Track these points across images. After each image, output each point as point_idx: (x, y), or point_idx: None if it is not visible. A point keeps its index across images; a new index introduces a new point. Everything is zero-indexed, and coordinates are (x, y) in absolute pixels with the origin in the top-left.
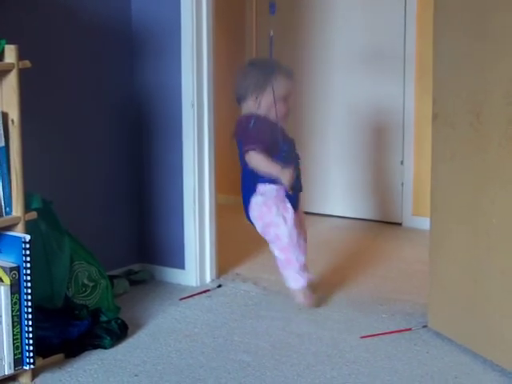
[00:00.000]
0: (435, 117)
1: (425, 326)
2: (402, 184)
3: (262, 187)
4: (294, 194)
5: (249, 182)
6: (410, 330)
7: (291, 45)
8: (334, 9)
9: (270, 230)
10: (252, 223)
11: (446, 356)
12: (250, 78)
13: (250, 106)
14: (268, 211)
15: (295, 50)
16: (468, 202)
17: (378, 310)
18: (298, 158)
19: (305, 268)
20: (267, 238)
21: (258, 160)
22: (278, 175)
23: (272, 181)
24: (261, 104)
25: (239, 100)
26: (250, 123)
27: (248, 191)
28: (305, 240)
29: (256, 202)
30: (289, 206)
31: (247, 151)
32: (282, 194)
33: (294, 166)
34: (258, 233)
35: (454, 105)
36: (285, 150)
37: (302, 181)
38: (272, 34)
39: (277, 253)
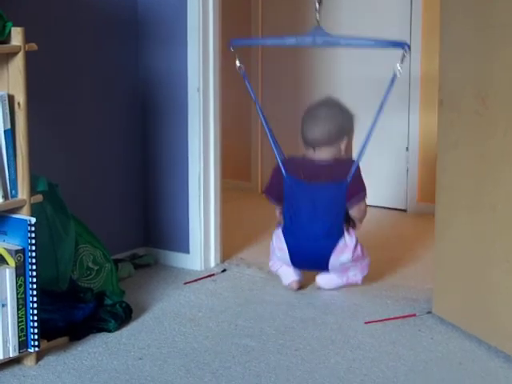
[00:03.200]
0: (441, 103)
1: (429, 312)
2: (407, 170)
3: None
4: None
5: (335, 226)
6: (414, 315)
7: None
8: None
9: (358, 262)
10: (317, 268)
11: (450, 342)
12: (340, 122)
13: (333, 150)
14: (361, 249)
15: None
16: (473, 188)
17: (382, 295)
18: None
19: None
20: (351, 272)
21: (366, 206)
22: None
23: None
24: (343, 149)
25: (319, 143)
26: (353, 167)
27: (330, 236)
28: None
29: (351, 243)
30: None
31: (362, 198)
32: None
33: None
34: (262, 217)
35: (460, 91)
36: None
37: None
38: (242, 68)
39: (360, 277)
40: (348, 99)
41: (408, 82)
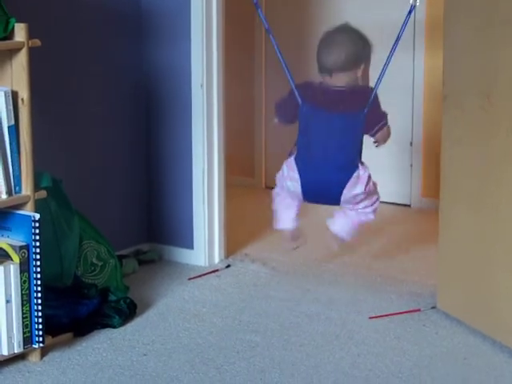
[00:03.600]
0: (445, 98)
1: (434, 307)
2: (411, 165)
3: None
4: None
5: (350, 155)
6: (418, 310)
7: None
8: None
9: (372, 197)
10: (328, 201)
11: (454, 337)
12: (356, 48)
13: (348, 77)
14: (373, 183)
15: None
16: (477, 184)
17: (386, 290)
18: None
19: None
20: (361, 204)
21: (390, 133)
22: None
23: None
24: (361, 76)
25: (334, 68)
26: (372, 96)
27: (345, 168)
28: None
29: (366, 175)
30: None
31: (384, 125)
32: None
33: None
34: (266, 212)
35: (464, 87)
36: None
37: None
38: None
39: (371, 216)
40: None
41: (412, 77)
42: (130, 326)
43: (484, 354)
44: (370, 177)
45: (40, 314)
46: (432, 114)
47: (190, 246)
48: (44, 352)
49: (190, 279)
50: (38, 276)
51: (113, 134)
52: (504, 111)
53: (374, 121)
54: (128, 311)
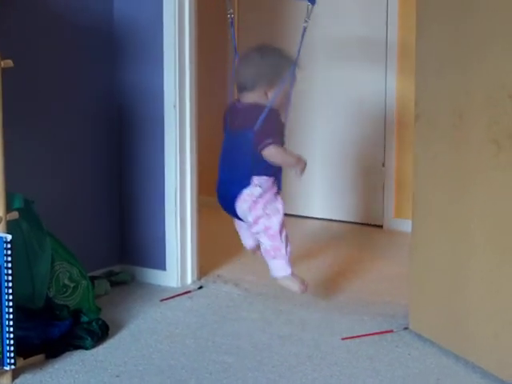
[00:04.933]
0: (417, 118)
1: (406, 328)
2: (384, 186)
3: (257, 179)
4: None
5: (242, 173)
6: (391, 331)
7: (267, 34)
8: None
9: (259, 221)
10: (233, 214)
11: (427, 358)
12: (261, 68)
13: (255, 96)
14: (262, 203)
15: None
16: (449, 203)
17: (359, 311)
18: None
19: (291, 260)
20: (255, 229)
21: (278, 152)
22: (295, 165)
23: (266, 173)
24: (268, 96)
25: (243, 87)
26: (263, 115)
27: (237, 183)
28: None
29: (251, 193)
30: (279, 197)
31: (268, 145)
32: (274, 186)
33: None
34: (236, 236)
35: (437, 106)
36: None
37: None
38: (231, 13)
39: (265, 241)
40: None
41: (384, 99)
42: (103, 348)
43: (457, 374)
44: (262, 199)
45: (11, 335)
46: (404, 134)
47: (163, 267)
48: (15, 374)
49: (162, 300)
50: (10, 297)
51: (84, 155)
52: (475, 130)
53: (260, 139)
54: (100, 333)
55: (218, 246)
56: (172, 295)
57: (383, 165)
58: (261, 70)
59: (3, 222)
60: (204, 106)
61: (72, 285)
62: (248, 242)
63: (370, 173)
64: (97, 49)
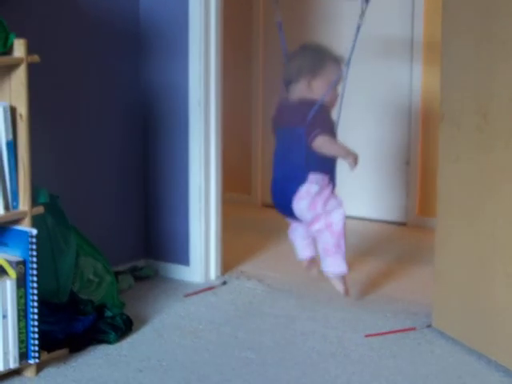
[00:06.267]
0: (442, 117)
1: (429, 326)
2: (408, 184)
3: (313, 176)
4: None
5: (297, 170)
6: (414, 329)
7: (296, 33)
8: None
9: (320, 218)
10: (289, 213)
11: (450, 356)
12: (303, 60)
13: (301, 90)
14: (322, 201)
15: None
16: (474, 202)
17: (382, 309)
18: None
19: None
20: (317, 226)
21: (327, 142)
22: (346, 156)
23: (321, 170)
24: (313, 88)
25: (288, 82)
26: (314, 109)
27: (293, 179)
28: None
29: (308, 191)
30: (336, 194)
31: (316, 135)
32: (329, 183)
33: None
34: (262, 230)
35: (461, 105)
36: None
37: None
38: (280, 19)
39: (327, 238)
40: None
41: (409, 96)
42: (126, 343)
43: (479, 372)
44: (320, 196)
45: (36, 329)
46: (429, 132)
47: (186, 262)
48: (40, 368)
49: (185, 296)
50: (35, 291)
51: (110, 151)
52: (500, 130)
53: (310, 132)
54: (124, 327)
55: (242, 241)
56: (196, 291)
57: (407, 163)
58: (303, 61)
59: (28, 217)
60: (228, 102)
61: (96, 280)
62: (305, 252)
63: (394, 170)
64: (122, 46)
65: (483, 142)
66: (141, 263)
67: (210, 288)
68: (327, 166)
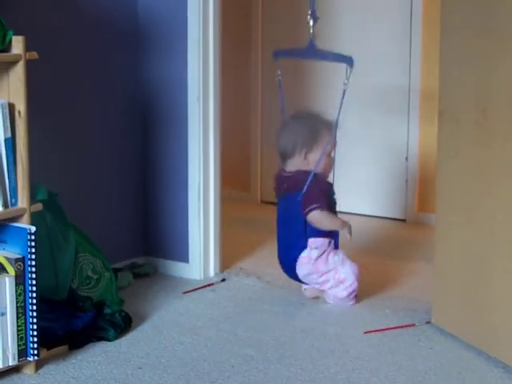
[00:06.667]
0: (441, 113)
1: (428, 322)
2: (407, 180)
3: (313, 242)
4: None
5: (296, 238)
6: (413, 325)
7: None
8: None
9: (329, 277)
10: (296, 279)
11: (449, 352)
12: (297, 134)
13: (297, 163)
14: (323, 262)
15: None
16: (473, 198)
17: (381, 305)
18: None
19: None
20: (328, 286)
21: (323, 217)
22: (341, 229)
23: (322, 234)
24: (309, 161)
25: (284, 156)
26: (308, 179)
27: (294, 246)
28: None
29: (309, 256)
30: (339, 251)
31: (311, 210)
32: (331, 245)
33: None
34: (260, 227)
35: (460, 101)
36: (334, 203)
37: None
38: (280, 76)
39: (340, 294)
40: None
41: (408, 93)
42: (125, 340)
43: (478, 369)
44: (321, 259)
45: (35, 326)
46: (427, 128)
47: (185, 259)
48: (39, 365)
49: (185, 293)
50: (34, 289)
51: (109, 148)
52: (499, 125)
53: (306, 204)
54: (123, 324)
55: (241, 238)
56: (195, 288)
57: (406, 159)
58: (297, 135)
59: (27, 214)
60: (227, 99)
61: (95, 277)
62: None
63: (393, 167)
64: (121, 42)
65: (482, 137)
66: (140, 260)
67: (209, 285)
68: (327, 230)
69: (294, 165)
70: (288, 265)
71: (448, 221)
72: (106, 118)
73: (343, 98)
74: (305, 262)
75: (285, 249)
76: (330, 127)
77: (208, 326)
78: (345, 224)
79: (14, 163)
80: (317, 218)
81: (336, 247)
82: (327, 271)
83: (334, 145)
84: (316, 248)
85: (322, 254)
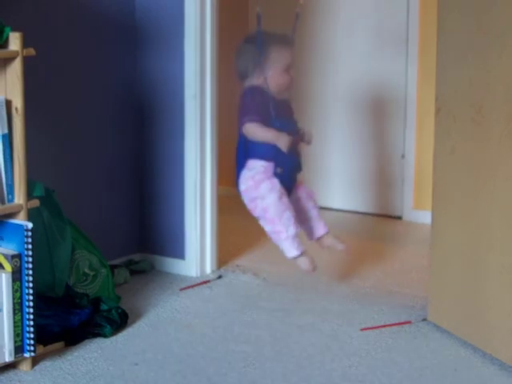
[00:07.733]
0: (438, 111)
1: (424, 319)
2: (403, 177)
3: (251, 163)
4: (286, 173)
5: (241, 156)
6: (409, 322)
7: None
8: None
9: (256, 203)
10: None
11: (445, 349)
12: (248, 54)
13: (253, 83)
14: (254, 185)
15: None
16: (469, 196)
17: (378, 302)
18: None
19: (297, 238)
20: (255, 214)
21: (253, 128)
22: (275, 140)
23: (262, 157)
24: (265, 79)
25: (241, 78)
26: (246, 95)
27: (239, 166)
28: (314, 213)
29: (244, 176)
30: (275, 180)
31: (243, 123)
32: (270, 170)
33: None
34: (257, 224)
35: (457, 98)
36: (277, 126)
37: (302, 161)
38: (260, 12)
39: (265, 226)
40: None
41: (404, 90)
42: (122, 336)
43: (474, 366)
44: (253, 181)
45: (32, 323)
46: (424, 126)
47: (182, 256)
48: (35, 361)
49: (181, 290)
50: (30, 285)
51: (105, 145)
52: (495, 122)
53: (239, 119)
54: (119, 321)
55: (237, 235)
56: (191, 284)
57: (403, 156)
58: (249, 57)
59: (24, 210)
60: (224, 96)
61: (92, 273)
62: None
63: (390, 164)
64: (117, 39)
65: (478, 134)
66: (136, 257)
67: (206, 282)
68: (270, 154)
69: (247, 83)
70: (236, 181)
71: (444, 218)
72: (103, 116)
73: (297, 21)
74: (242, 182)
75: (236, 166)
76: (285, 42)
77: (204, 322)
78: (279, 136)
79: (11, 159)
80: (248, 130)
81: (287, 186)
82: (256, 196)
83: (293, 60)
84: (250, 169)
85: (255, 176)
